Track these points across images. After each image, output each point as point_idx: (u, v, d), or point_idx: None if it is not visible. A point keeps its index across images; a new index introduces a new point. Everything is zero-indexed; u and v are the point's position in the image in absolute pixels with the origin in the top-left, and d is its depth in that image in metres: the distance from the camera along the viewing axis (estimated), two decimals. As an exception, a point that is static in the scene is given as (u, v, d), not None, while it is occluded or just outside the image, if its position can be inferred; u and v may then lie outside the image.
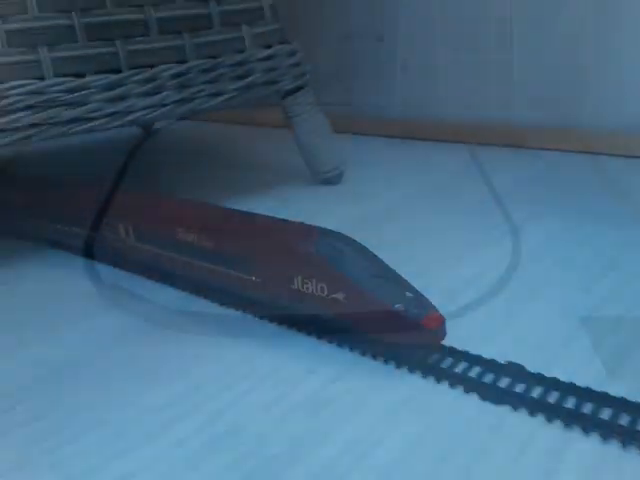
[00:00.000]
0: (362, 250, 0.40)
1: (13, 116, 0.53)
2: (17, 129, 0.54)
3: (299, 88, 0.72)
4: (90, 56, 0.57)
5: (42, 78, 0.54)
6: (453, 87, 0.97)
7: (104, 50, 0.58)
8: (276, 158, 0.89)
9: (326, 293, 0.39)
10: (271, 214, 0.47)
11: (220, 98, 0.65)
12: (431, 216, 0.64)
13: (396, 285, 0.39)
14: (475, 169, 0.80)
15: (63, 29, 0.55)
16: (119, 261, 0.56)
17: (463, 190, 0.72)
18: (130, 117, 0.60)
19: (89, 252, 0.58)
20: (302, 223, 0.43)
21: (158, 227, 0.50)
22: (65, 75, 0.55)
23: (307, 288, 0.40)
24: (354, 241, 0.41)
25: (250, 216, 0.47)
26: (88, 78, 0.57)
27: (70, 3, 0.55)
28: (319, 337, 0.42)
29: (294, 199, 0.74)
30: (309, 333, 0.43)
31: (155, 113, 0.61)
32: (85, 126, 0.57)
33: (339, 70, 1.08)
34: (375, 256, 0.41)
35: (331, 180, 0.76)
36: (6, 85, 0.53)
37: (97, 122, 0.58)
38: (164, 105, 0.61)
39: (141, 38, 0.60)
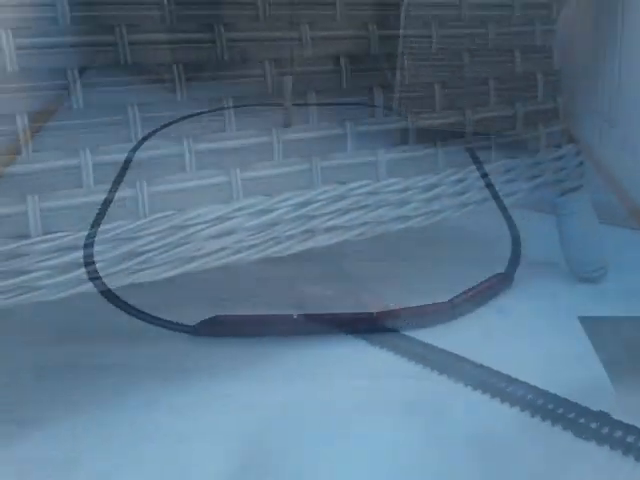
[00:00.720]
0: None
1: (352, 215, 0.55)
2: (349, 228, 0.55)
3: (578, 187, 0.71)
4: (415, 158, 0.58)
5: (377, 179, 0.56)
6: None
7: (427, 152, 0.59)
8: (532, 249, 0.87)
9: None
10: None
11: (513, 197, 0.65)
12: None
13: None
14: None
15: (400, 132, 0.57)
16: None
17: None
18: (439, 216, 0.60)
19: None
20: None
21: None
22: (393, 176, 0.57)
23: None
24: None
25: None
26: (412, 179, 0.58)
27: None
28: None
29: (553, 296, 0.72)
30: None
31: (458, 212, 0.62)
32: (403, 225, 0.58)
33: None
34: None
35: (593, 279, 0.75)
36: (349, 186, 0.55)
37: (413, 221, 0.59)
38: (467, 205, 0.62)
39: (457, 140, 0.61)
